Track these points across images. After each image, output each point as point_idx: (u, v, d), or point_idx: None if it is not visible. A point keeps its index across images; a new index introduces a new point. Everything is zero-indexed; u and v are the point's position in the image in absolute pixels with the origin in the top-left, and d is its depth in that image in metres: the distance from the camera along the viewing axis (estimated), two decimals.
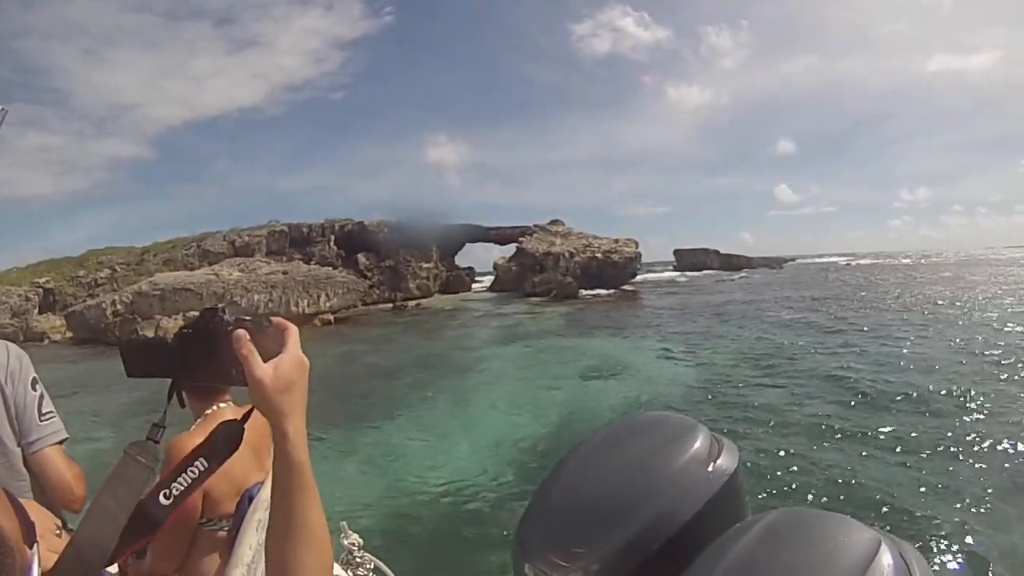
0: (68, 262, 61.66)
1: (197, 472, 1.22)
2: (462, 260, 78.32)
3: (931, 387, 16.35)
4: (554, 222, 74.82)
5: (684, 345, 27.00)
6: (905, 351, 21.80)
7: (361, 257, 64.15)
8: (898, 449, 12.03)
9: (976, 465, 11.11)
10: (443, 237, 71.61)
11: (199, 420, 2.57)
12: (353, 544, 3.39)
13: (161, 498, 1.21)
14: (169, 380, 1.29)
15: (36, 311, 51.76)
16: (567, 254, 65.53)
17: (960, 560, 8.12)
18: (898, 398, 15.44)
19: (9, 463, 2.20)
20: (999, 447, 11.89)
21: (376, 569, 3.44)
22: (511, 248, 73.09)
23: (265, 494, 2.45)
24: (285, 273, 53.38)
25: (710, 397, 17.20)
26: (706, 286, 69.62)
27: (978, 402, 14.81)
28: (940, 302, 40.36)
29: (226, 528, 2.46)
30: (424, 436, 14.91)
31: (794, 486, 10.41)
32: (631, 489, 1.44)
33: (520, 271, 68.20)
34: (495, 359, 26.71)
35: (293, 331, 1.16)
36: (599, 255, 65.70)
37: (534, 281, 64.39)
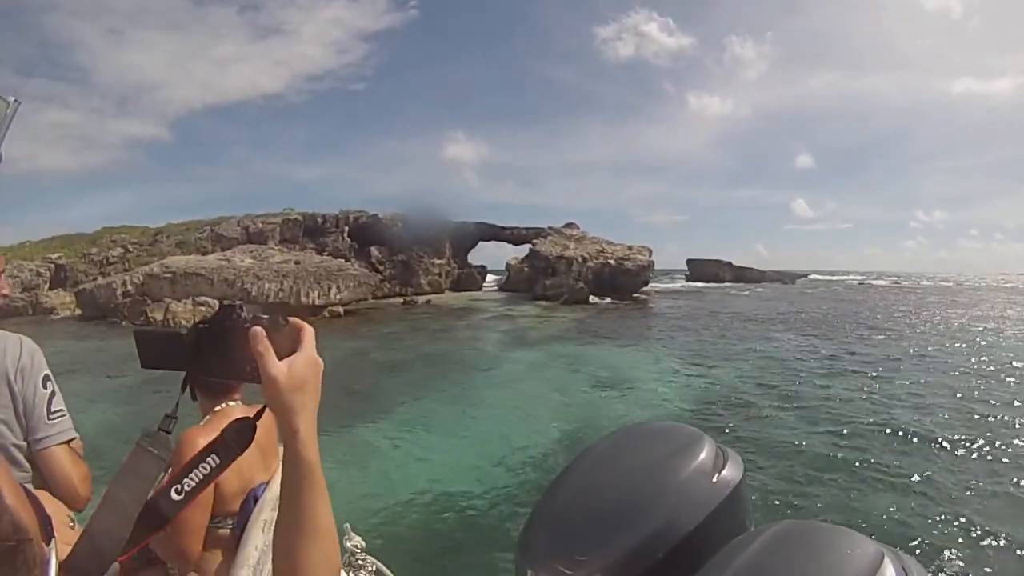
0: (81, 239, 61.84)
1: (209, 469, 1.24)
2: (474, 258, 78.52)
3: (940, 409, 16.37)
4: (568, 225, 74.71)
5: (692, 357, 26.93)
6: (918, 375, 21.75)
7: (374, 250, 64.21)
8: (903, 466, 12.05)
9: (980, 484, 11.16)
10: (457, 234, 71.64)
11: (208, 417, 2.58)
12: (356, 546, 3.39)
13: (173, 493, 1.24)
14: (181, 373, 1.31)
15: (47, 286, 51.97)
16: (580, 258, 65.35)
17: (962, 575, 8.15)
18: (907, 419, 15.38)
19: (11, 456, 2.20)
20: (1004, 468, 11.96)
21: (378, 572, 3.43)
22: (524, 249, 73.00)
23: (271, 494, 2.46)
24: (297, 263, 53.41)
25: (715, 409, 17.16)
26: (717, 299, 69.42)
27: (986, 424, 14.81)
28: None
29: (230, 526, 2.47)
30: (431, 436, 14.93)
31: (798, 499, 10.42)
32: (635, 498, 1.44)
33: (532, 273, 68.07)
34: (504, 361, 26.76)
35: (309, 331, 1.17)
36: (612, 261, 65.48)
37: (545, 284, 64.23)
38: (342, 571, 3.22)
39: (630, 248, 69.01)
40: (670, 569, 1.35)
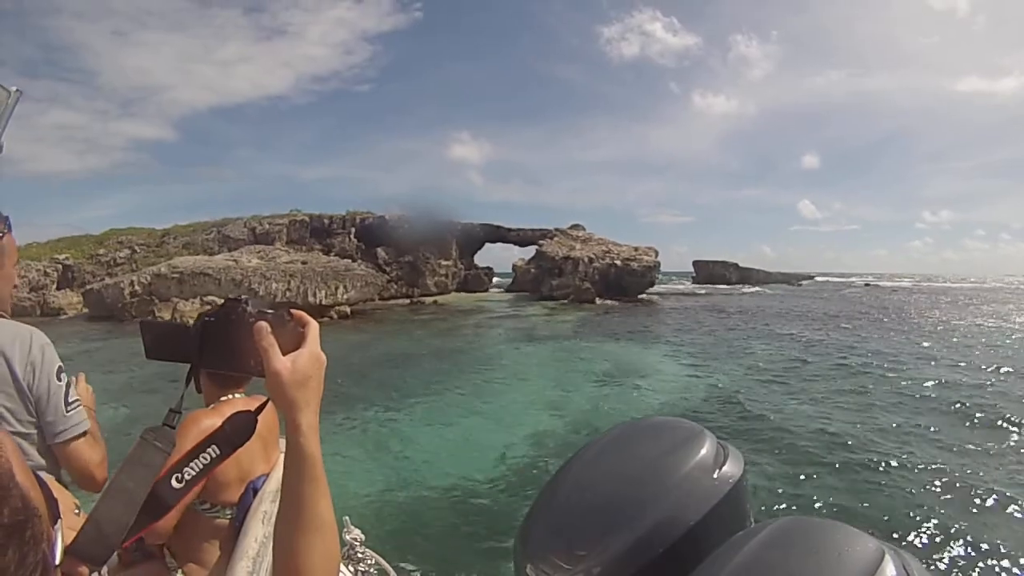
0: (88, 240, 62.00)
1: (209, 459, 1.25)
2: (481, 260, 78.50)
3: (945, 406, 16.39)
4: (575, 226, 74.74)
5: (697, 355, 26.99)
6: (924, 374, 21.68)
7: (380, 251, 64.28)
8: (906, 463, 12.03)
9: (984, 481, 11.12)
10: (463, 235, 71.69)
11: (211, 407, 2.55)
12: (355, 539, 3.39)
13: (173, 481, 1.25)
14: (185, 366, 1.35)
15: (54, 287, 52.10)
16: (586, 259, 65.39)
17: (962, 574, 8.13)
18: (910, 417, 15.39)
19: (20, 447, 2.21)
20: (1011, 466, 11.92)
21: (377, 565, 3.43)
22: (530, 251, 73.13)
23: (271, 486, 2.46)
24: (304, 263, 53.53)
25: (717, 405, 17.22)
26: (722, 299, 69.45)
27: (993, 423, 14.79)
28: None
29: (228, 516, 2.46)
30: (434, 430, 14.94)
31: (799, 495, 10.40)
32: (636, 493, 1.44)
33: (539, 273, 68.21)
34: (510, 357, 26.80)
35: (313, 327, 1.19)
36: (618, 262, 65.50)
37: (552, 284, 64.38)
38: (341, 564, 3.21)
39: (636, 249, 69.01)
40: (670, 564, 1.35)
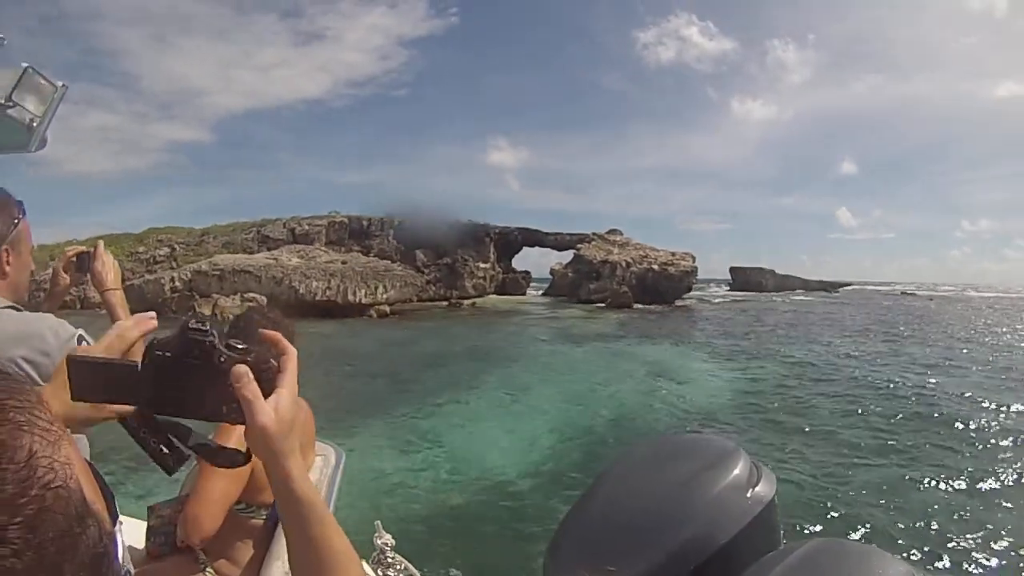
0: (128, 238, 63.13)
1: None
2: (519, 264, 78.64)
3: (986, 423, 15.92)
4: (612, 231, 74.52)
5: (733, 361, 26.63)
6: (962, 388, 21.22)
7: (419, 253, 64.56)
8: (941, 484, 11.67)
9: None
10: (501, 239, 71.82)
11: None
12: (386, 544, 3.39)
13: None
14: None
15: None
16: (624, 263, 65.25)
17: None
18: (950, 432, 14.99)
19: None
20: None
21: (406, 570, 3.43)
22: (567, 256, 73.19)
23: None
24: (344, 263, 54.06)
25: (752, 415, 16.95)
26: (759, 306, 68.70)
27: None
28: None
29: (262, 517, 2.49)
30: (465, 430, 14.91)
31: (828, 512, 10.20)
32: (667, 511, 1.44)
33: (576, 277, 68.25)
34: (546, 360, 26.71)
35: (292, 355, 1.07)
36: (655, 267, 65.25)
37: (589, 288, 64.39)
38: (370, 568, 3.25)
39: (673, 254, 68.72)
40: None
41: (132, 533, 2.51)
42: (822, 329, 42.37)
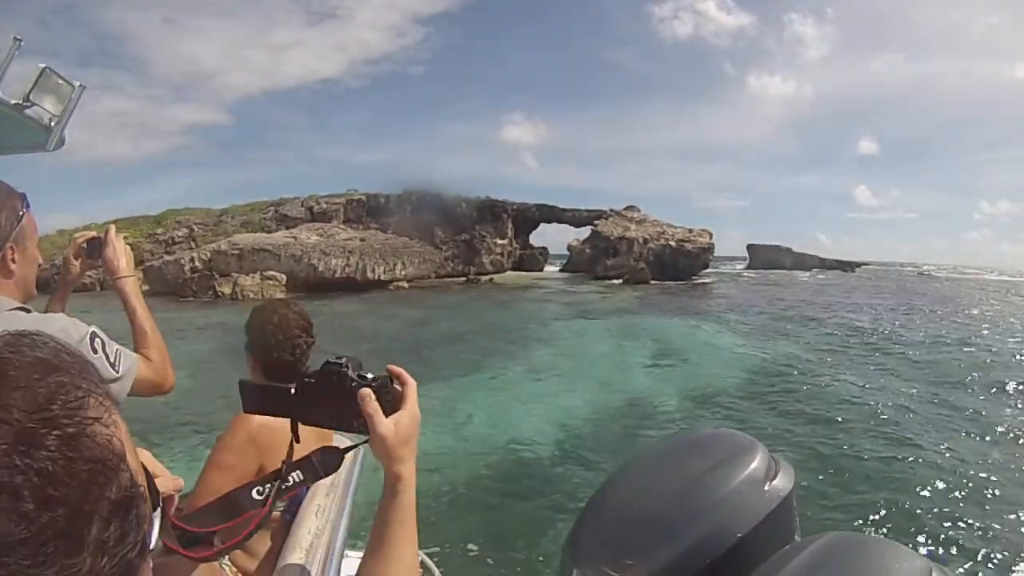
0: (146, 220, 63.44)
1: (292, 482, 1.42)
2: (536, 240, 78.58)
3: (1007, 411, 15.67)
4: (629, 208, 74.24)
5: (750, 339, 26.49)
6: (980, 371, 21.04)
7: (437, 230, 64.63)
8: (965, 479, 11.30)
9: None
10: (519, 215, 71.80)
11: None
12: None
13: (254, 493, 1.44)
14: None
15: None
16: (641, 240, 65.07)
17: None
18: (973, 428, 14.33)
19: None
20: None
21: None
22: (585, 232, 73.08)
23: (325, 481, 2.47)
24: (363, 240, 54.28)
25: (768, 397, 16.83)
26: (776, 283, 68.35)
27: None
28: None
29: (280, 509, 2.49)
30: (483, 406, 14.99)
31: (846, 507, 10.06)
32: (685, 504, 1.44)
33: (593, 254, 68.14)
34: (563, 335, 26.85)
35: (411, 386, 1.29)
36: (673, 243, 65.05)
37: (607, 264, 64.30)
38: None
39: (691, 231, 68.46)
40: None
41: None
42: (839, 308, 42.14)
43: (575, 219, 74.54)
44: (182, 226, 61.08)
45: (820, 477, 10.99)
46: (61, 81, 2.28)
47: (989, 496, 10.55)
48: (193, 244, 56.21)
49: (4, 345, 0.50)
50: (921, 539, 8.85)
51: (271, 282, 45.21)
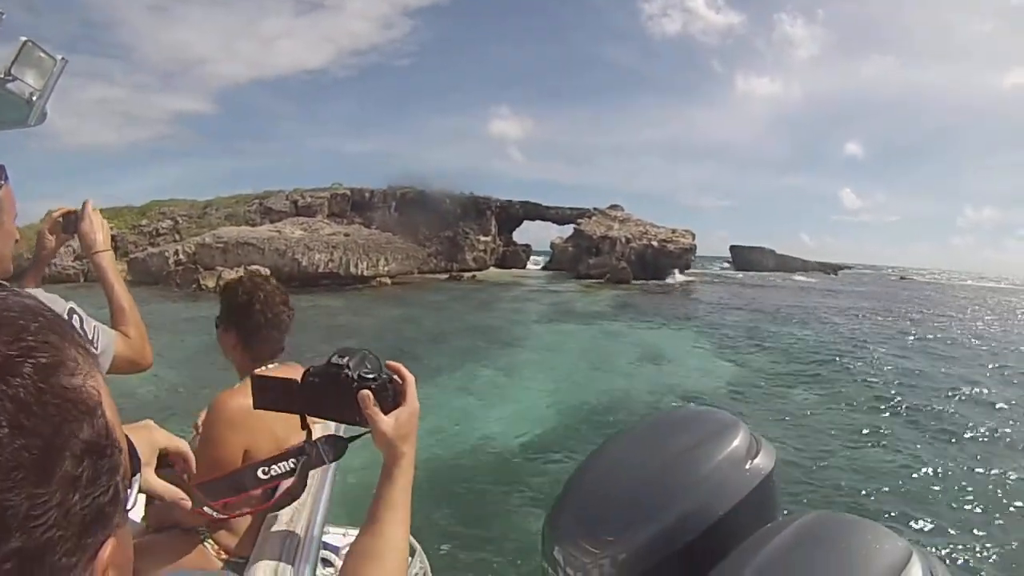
0: (130, 211, 62.57)
1: (291, 466, 1.57)
2: (520, 236, 78.42)
3: (985, 405, 16.06)
4: (613, 207, 74.23)
5: (728, 340, 26.61)
6: (967, 369, 21.35)
7: (421, 226, 64.41)
8: (943, 464, 11.68)
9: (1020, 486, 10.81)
10: (502, 212, 71.71)
11: (246, 377, 2.54)
12: (423, 568, 3.39)
13: (260, 472, 1.58)
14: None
15: None
16: (624, 239, 65.14)
17: None
18: (950, 414, 15.01)
19: None
20: None
21: None
22: (569, 229, 72.96)
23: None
24: (347, 235, 54.02)
25: (746, 389, 17.03)
26: (757, 285, 68.75)
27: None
28: None
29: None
30: (464, 403, 15.01)
31: (828, 489, 10.25)
32: (666, 482, 1.45)
33: (576, 252, 68.13)
34: (544, 335, 26.84)
35: (410, 381, 1.39)
36: (655, 243, 65.16)
37: (589, 263, 64.29)
38: None
39: (673, 231, 68.54)
40: (696, 554, 1.36)
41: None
42: (819, 310, 42.38)
43: (559, 217, 74.43)
44: (166, 217, 60.41)
45: (800, 458, 11.26)
46: (43, 55, 2.23)
47: (967, 480, 10.83)
48: (177, 236, 55.70)
49: None
50: (902, 521, 9.05)
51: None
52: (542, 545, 1.52)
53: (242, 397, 2.33)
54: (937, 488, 10.57)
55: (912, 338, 29.29)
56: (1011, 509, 9.79)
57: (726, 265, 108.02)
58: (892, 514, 9.29)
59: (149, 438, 1.35)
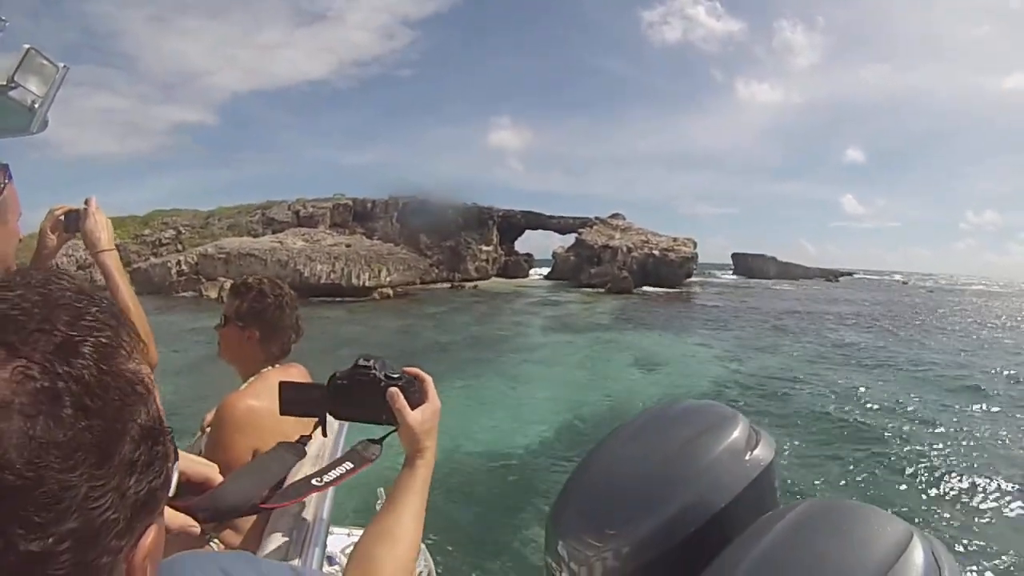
0: (133, 220, 62.77)
1: (345, 471, 1.57)
2: (521, 246, 78.59)
3: (976, 399, 16.44)
4: (615, 216, 74.44)
5: (730, 347, 26.78)
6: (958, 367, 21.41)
7: (422, 236, 64.52)
8: (937, 451, 12.05)
9: (1016, 473, 11.01)
10: (504, 222, 71.81)
11: (252, 379, 2.56)
12: (427, 568, 3.39)
13: (315, 480, 1.59)
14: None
15: None
16: (625, 248, 65.28)
17: (991, 565, 8.02)
18: (940, 406, 15.56)
19: None
20: None
21: None
22: (570, 239, 73.10)
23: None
24: (348, 246, 54.15)
25: (749, 390, 17.27)
26: (760, 292, 68.75)
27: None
28: None
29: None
30: (469, 409, 15.03)
31: (827, 479, 10.40)
32: (666, 474, 1.45)
33: (578, 261, 68.23)
34: (546, 343, 26.94)
35: (429, 381, 1.49)
36: (656, 252, 65.29)
37: (590, 272, 64.39)
38: None
39: (675, 240, 68.76)
40: (698, 545, 1.36)
41: None
42: (822, 317, 42.39)
43: (560, 226, 74.64)
44: (169, 227, 60.59)
45: (800, 451, 11.38)
46: (45, 62, 2.25)
47: (967, 465, 11.02)
48: (180, 246, 55.87)
49: (50, 276, 0.51)
50: (903, 506, 9.20)
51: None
52: (546, 541, 1.53)
53: (250, 399, 2.35)
54: (937, 477, 10.75)
55: (912, 341, 29.38)
56: (1008, 498, 10.02)
57: (728, 273, 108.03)
58: (892, 498, 9.49)
59: None
